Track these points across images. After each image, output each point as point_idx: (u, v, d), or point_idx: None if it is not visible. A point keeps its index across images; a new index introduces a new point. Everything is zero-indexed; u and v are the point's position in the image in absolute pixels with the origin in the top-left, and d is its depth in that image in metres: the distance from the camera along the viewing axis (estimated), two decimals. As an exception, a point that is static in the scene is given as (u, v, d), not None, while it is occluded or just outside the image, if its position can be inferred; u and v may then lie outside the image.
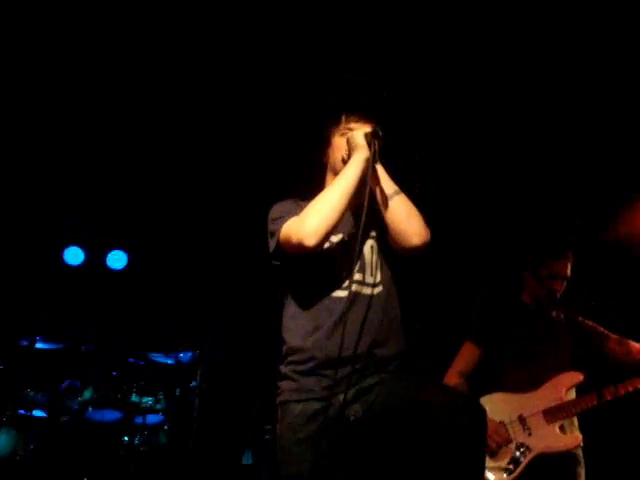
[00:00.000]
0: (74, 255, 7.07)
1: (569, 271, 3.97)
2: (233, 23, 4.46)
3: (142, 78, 5.10)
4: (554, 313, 4.05)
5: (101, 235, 7.14)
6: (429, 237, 2.75)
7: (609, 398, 3.66)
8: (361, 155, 2.72)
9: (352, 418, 2.63)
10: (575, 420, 3.86)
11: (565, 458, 3.77)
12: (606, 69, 4.74)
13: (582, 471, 3.80)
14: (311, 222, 2.61)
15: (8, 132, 5.79)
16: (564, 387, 3.81)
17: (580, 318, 4.01)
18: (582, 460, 3.81)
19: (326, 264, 2.78)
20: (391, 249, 2.82)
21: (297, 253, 2.68)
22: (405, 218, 2.73)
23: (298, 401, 2.68)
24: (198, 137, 5.64)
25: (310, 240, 2.60)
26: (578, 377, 3.81)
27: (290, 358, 2.78)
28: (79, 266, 7.11)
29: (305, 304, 2.79)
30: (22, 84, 5.22)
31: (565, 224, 5.32)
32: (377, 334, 2.72)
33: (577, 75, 4.82)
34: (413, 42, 4.53)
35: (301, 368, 2.72)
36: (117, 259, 7.22)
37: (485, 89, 5.01)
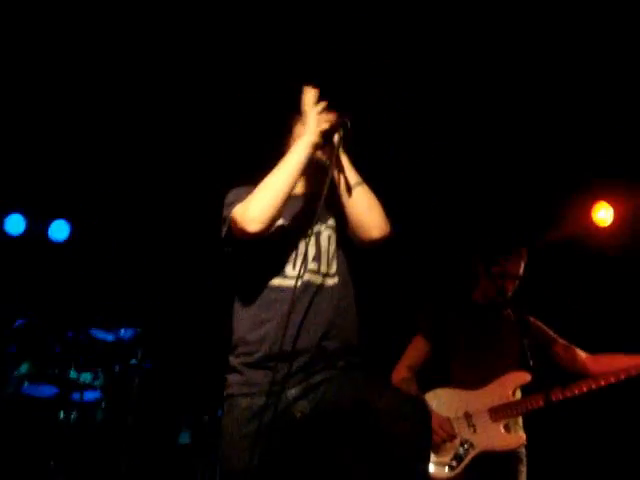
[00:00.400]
0: (15, 224, 6.86)
1: (522, 270, 3.97)
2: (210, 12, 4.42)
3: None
4: (505, 312, 4.05)
5: (43, 204, 6.94)
6: (389, 230, 2.71)
7: (555, 400, 3.67)
8: (307, 138, 2.65)
9: (298, 415, 2.58)
10: (520, 419, 3.88)
11: (508, 456, 3.79)
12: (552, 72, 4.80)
13: (524, 469, 3.82)
14: (254, 208, 2.55)
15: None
16: (511, 386, 3.82)
17: (531, 319, 4.02)
18: (524, 458, 3.83)
19: (279, 253, 2.72)
20: (349, 241, 2.77)
21: (243, 239, 2.62)
22: (366, 210, 2.68)
23: (245, 395, 2.62)
24: (157, 113, 5.53)
25: (252, 226, 2.54)
26: (526, 377, 3.81)
27: (239, 349, 2.71)
28: (19, 236, 6.91)
29: (256, 293, 2.71)
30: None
31: (519, 223, 5.34)
32: (329, 327, 2.66)
33: (525, 81, 4.87)
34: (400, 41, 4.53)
35: (249, 360, 2.66)
36: (59, 230, 7.03)
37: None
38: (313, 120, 2.66)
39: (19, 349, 6.32)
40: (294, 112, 2.88)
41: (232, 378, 2.71)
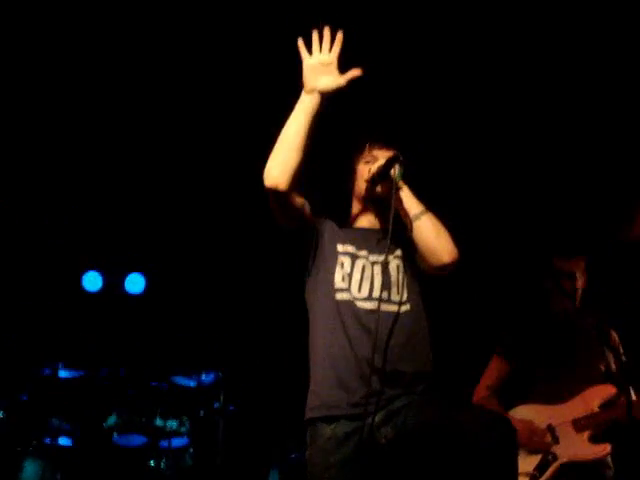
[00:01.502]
0: (92, 281, 7.06)
1: (579, 268, 3.96)
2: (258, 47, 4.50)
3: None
4: (586, 322, 4.02)
5: (118, 259, 7.14)
6: (458, 255, 2.75)
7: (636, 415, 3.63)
8: (302, 96, 2.67)
9: (383, 441, 2.60)
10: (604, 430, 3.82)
11: (593, 465, 3.72)
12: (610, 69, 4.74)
13: (611, 474, 3.75)
14: (268, 165, 2.64)
15: (25, 156, 5.82)
16: (596, 401, 3.76)
17: (611, 332, 3.99)
18: (612, 467, 3.76)
19: (346, 276, 2.77)
20: (417, 268, 2.83)
21: (275, 203, 2.70)
22: (434, 237, 2.73)
23: (328, 421, 2.64)
24: (220, 162, 5.65)
25: (268, 180, 2.63)
26: (611, 391, 3.76)
27: (315, 372, 2.76)
28: (97, 292, 7.10)
29: (330, 322, 2.75)
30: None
31: (575, 225, 5.26)
32: (404, 353, 2.69)
33: (584, 75, 4.82)
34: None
35: (326, 382, 2.69)
36: (135, 283, 7.20)
37: (486, 89, 5.03)
38: (305, 71, 2.67)
39: (105, 402, 6.49)
40: (356, 153, 2.98)
41: (311, 400, 2.74)
